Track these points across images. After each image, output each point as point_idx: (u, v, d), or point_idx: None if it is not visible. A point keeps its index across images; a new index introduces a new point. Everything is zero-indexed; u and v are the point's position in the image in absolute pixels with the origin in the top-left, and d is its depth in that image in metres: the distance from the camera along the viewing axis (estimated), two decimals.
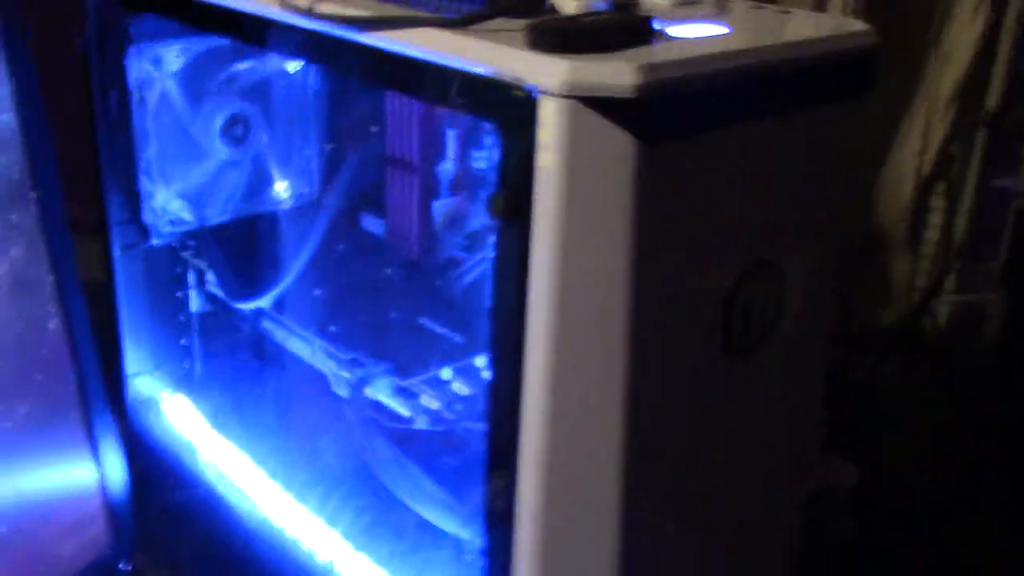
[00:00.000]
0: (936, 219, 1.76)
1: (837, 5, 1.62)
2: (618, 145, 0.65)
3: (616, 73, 0.64)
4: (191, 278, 1.27)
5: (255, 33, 0.89)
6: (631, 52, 0.67)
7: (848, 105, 0.81)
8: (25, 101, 0.98)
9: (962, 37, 1.65)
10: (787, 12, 0.85)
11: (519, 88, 0.66)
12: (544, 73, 0.65)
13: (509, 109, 0.67)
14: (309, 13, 0.81)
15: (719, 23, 0.77)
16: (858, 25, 0.82)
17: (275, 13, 0.86)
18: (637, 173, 0.66)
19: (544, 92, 0.65)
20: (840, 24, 0.82)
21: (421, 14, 0.76)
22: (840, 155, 0.83)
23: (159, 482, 1.21)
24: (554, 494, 0.74)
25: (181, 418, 1.27)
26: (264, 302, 1.17)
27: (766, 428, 0.88)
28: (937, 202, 1.75)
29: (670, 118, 0.67)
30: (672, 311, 0.73)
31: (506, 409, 0.74)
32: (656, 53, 0.68)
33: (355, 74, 0.81)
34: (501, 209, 0.69)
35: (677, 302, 0.73)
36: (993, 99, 1.67)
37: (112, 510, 1.11)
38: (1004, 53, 1.66)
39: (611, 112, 0.64)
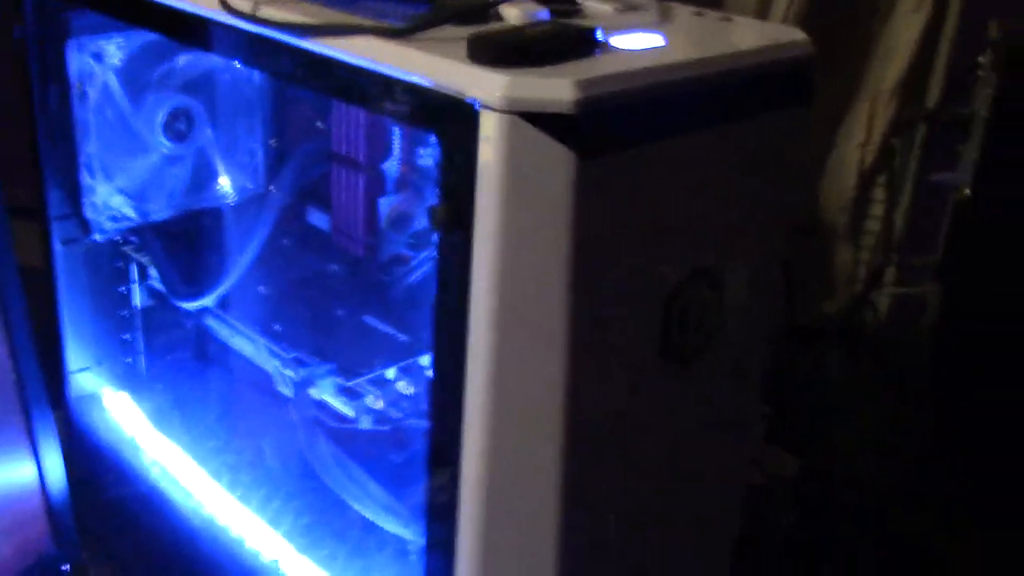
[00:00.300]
0: (877, 211, 1.79)
1: (782, 2, 1.64)
2: (557, 159, 0.66)
3: (555, 89, 0.64)
4: (134, 273, 1.26)
5: (195, 33, 0.89)
6: (571, 66, 0.68)
7: (787, 114, 0.83)
8: None
9: (904, 31, 1.67)
10: (727, 20, 0.86)
11: (460, 101, 0.66)
12: (484, 87, 0.65)
13: (451, 121, 0.68)
14: (251, 17, 0.80)
15: (660, 33, 0.77)
16: (796, 35, 0.83)
17: (216, 14, 0.85)
18: (576, 186, 0.66)
19: (484, 106, 0.65)
20: (778, 34, 0.83)
21: (364, 21, 0.76)
22: (779, 163, 0.84)
23: (101, 481, 1.20)
24: (496, 493, 0.75)
25: (123, 415, 1.26)
26: (207, 302, 1.16)
27: (706, 427, 0.90)
28: (878, 194, 1.78)
29: (609, 132, 0.68)
30: (611, 318, 0.74)
31: (449, 413, 0.75)
32: (596, 67, 0.68)
33: (297, 80, 0.80)
34: (442, 220, 0.70)
35: (616, 310, 0.74)
36: (933, 94, 1.70)
37: (53, 510, 1.10)
38: (944, 49, 1.68)
39: (550, 127, 0.65)
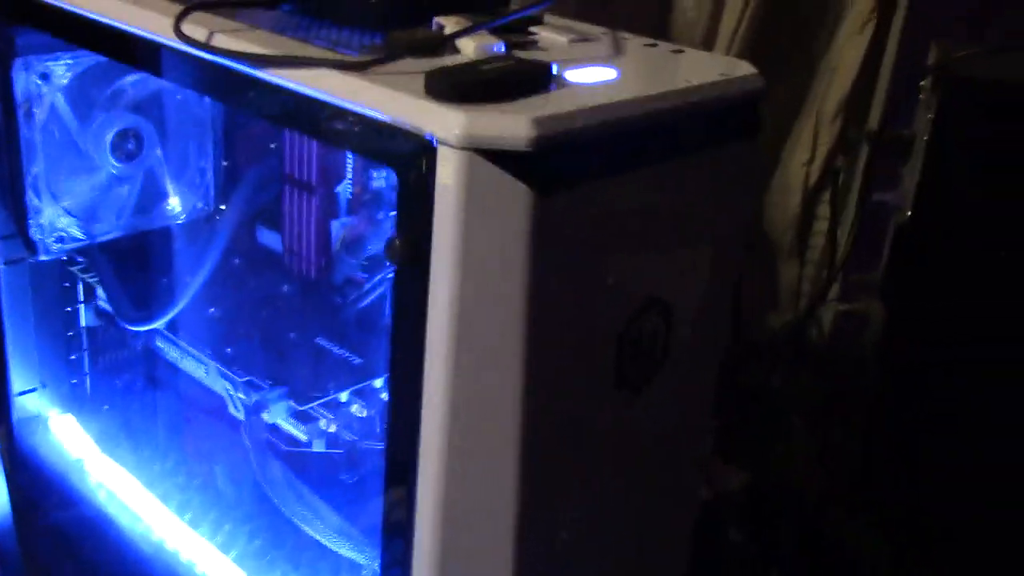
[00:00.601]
0: (822, 227, 1.82)
1: (730, 22, 1.66)
2: (514, 195, 0.66)
3: (512, 126, 0.65)
4: (80, 293, 1.24)
5: (148, 59, 0.88)
6: (527, 102, 0.68)
7: (737, 146, 0.84)
8: None
9: (848, 50, 1.70)
10: (679, 51, 0.87)
11: (418, 136, 0.67)
12: (441, 124, 0.66)
13: (407, 156, 0.68)
14: (205, 46, 0.80)
15: (614, 67, 0.78)
16: (746, 68, 0.84)
17: (170, 41, 0.84)
18: (532, 221, 0.67)
19: (442, 142, 0.66)
20: (729, 67, 0.84)
21: (322, 53, 0.76)
22: (730, 193, 0.86)
23: (46, 505, 1.18)
24: (451, 518, 0.76)
25: (70, 438, 1.24)
26: (156, 325, 1.15)
27: (657, 449, 0.91)
28: (823, 211, 1.81)
29: (565, 168, 0.69)
30: (566, 349, 0.75)
31: (405, 441, 0.75)
32: (551, 103, 0.69)
33: (252, 110, 0.80)
34: (399, 254, 0.70)
35: (571, 341, 0.75)
36: (875, 115, 1.73)
37: None
38: (886, 70, 1.72)
39: (507, 163, 0.65)
